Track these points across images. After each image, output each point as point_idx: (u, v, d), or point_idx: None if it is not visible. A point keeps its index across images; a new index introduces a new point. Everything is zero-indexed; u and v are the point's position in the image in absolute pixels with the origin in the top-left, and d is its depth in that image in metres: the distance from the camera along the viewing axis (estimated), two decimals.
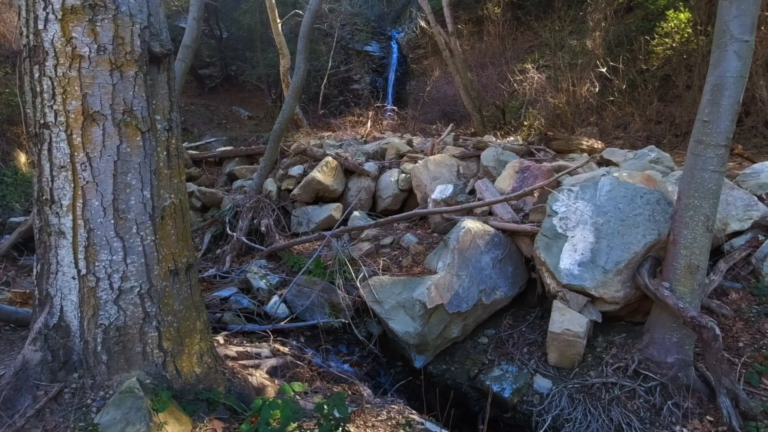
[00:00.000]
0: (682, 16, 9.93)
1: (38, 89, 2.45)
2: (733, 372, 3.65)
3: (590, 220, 4.25)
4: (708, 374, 3.59)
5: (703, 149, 3.56)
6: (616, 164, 6.31)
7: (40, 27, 2.40)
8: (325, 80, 14.71)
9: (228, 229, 6.51)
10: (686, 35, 9.83)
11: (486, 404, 2.99)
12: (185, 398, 2.78)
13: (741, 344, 3.95)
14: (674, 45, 10.00)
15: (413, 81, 17.01)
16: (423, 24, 15.66)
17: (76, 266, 2.55)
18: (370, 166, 7.26)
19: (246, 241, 6.20)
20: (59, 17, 2.37)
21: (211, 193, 7.60)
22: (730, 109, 3.47)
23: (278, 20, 11.69)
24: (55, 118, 2.44)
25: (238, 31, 16.33)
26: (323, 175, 6.94)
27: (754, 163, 5.85)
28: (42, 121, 2.47)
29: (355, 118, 12.79)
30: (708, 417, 3.43)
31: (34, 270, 2.71)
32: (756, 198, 4.76)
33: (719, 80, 3.48)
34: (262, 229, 6.42)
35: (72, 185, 2.48)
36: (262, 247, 6.05)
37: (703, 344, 3.49)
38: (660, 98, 9.93)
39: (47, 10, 2.38)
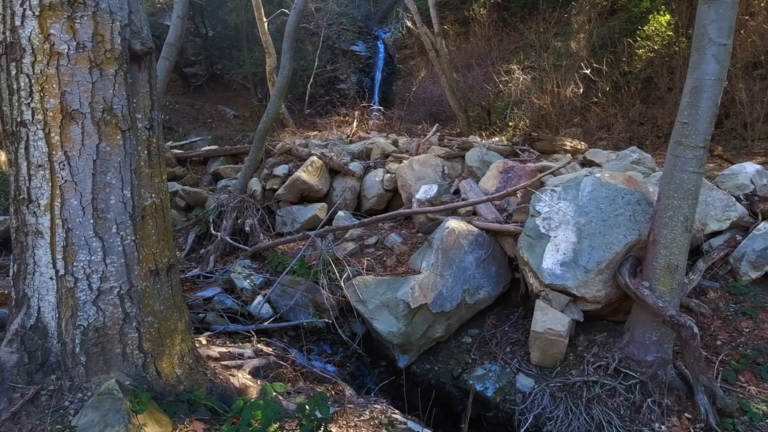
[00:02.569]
0: (662, 19, 10.07)
1: (15, 87, 2.41)
2: (711, 370, 3.71)
3: (572, 220, 4.30)
4: (686, 372, 3.65)
5: (682, 150, 3.62)
6: (598, 165, 6.38)
7: (17, 23, 2.36)
8: (311, 80, 14.67)
9: (212, 228, 6.46)
10: (668, 38, 9.98)
11: (468, 403, 3.01)
12: (166, 399, 2.75)
13: (719, 342, 4.02)
14: (656, 48, 10.14)
15: (399, 81, 17.04)
16: (409, 24, 15.70)
17: (54, 266, 2.51)
18: (356, 166, 7.26)
19: (230, 240, 6.16)
20: (37, 14, 2.34)
21: (196, 193, 7.54)
22: (708, 112, 3.53)
23: (264, 19, 11.64)
24: (33, 116, 2.40)
25: (224, 30, 16.23)
26: (308, 174, 6.93)
27: (733, 164, 5.96)
28: (19, 119, 2.43)
29: (341, 118, 12.78)
30: (686, 414, 3.49)
31: (11, 270, 2.67)
32: (734, 199, 4.85)
33: (698, 83, 3.53)
34: (247, 228, 6.39)
35: (50, 184, 2.45)
36: (247, 247, 6.02)
37: (681, 342, 3.54)
38: (642, 100, 10.07)
39: (24, 6, 2.34)
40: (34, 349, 2.56)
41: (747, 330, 4.05)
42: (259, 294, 4.95)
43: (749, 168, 5.24)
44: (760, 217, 4.71)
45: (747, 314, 4.16)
